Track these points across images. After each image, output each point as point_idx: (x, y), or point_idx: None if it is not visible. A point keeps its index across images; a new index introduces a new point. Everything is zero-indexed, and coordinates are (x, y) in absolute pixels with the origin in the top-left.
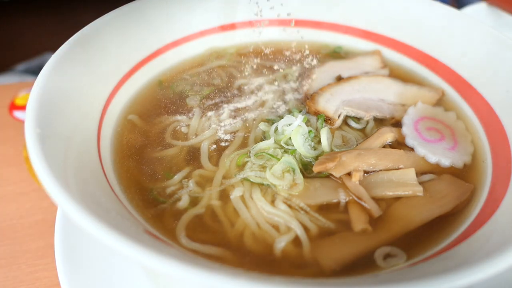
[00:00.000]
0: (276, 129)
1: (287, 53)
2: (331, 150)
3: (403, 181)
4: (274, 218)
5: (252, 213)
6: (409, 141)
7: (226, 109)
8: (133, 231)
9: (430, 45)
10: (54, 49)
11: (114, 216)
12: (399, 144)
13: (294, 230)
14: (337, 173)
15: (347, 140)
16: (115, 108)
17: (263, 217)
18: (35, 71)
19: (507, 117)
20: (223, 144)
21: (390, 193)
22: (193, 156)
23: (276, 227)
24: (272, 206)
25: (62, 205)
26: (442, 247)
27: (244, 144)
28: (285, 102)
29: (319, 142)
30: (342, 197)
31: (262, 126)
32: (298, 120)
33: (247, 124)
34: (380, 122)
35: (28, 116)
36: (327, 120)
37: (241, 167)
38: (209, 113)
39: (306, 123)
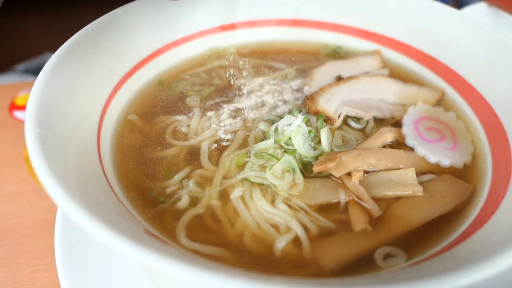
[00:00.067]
0: (276, 129)
1: (287, 53)
2: (331, 150)
3: (403, 181)
4: (274, 218)
5: (252, 213)
6: (409, 141)
7: (226, 109)
8: (133, 231)
9: (430, 45)
10: (54, 49)
11: (114, 216)
12: (399, 144)
13: (294, 230)
14: (337, 173)
15: (347, 140)
16: (115, 108)
17: (263, 217)
18: (35, 71)
19: (507, 117)
20: (223, 144)
21: (390, 193)
22: (193, 156)
23: (276, 227)
24: (272, 206)
25: (62, 205)
26: (442, 247)
27: (244, 144)
28: (285, 102)
29: (319, 142)
30: (342, 197)
31: (262, 126)
32: (298, 120)
33: (247, 124)
34: (380, 122)
35: (28, 116)
36: (327, 120)
37: (241, 167)
38: (209, 113)
39: (306, 123)
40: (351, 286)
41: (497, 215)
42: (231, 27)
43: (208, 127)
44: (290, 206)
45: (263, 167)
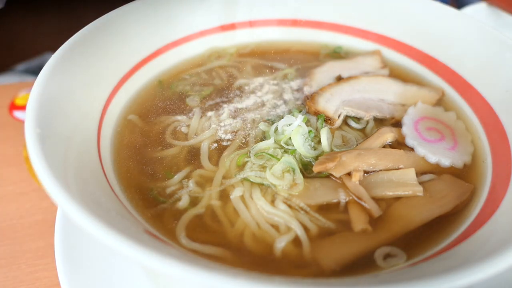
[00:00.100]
0: (276, 129)
1: (287, 53)
2: (331, 150)
3: (403, 181)
4: (274, 218)
5: (252, 213)
6: (409, 141)
7: (226, 109)
8: (133, 231)
9: (430, 45)
10: (54, 49)
11: (114, 216)
12: (399, 144)
13: (294, 230)
14: (337, 173)
15: (347, 140)
16: (115, 108)
17: (263, 217)
18: (35, 71)
19: (507, 117)
20: (223, 144)
21: (390, 193)
22: (193, 156)
23: (276, 227)
24: (272, 206)
25: (62, 205)
26: (442, 247)
27: (244, 144)
28: (285, 102)
29: (319, 142)
30: (342, 197)
31: (262, 126)
32: (298, 120)
33: (247, 124)
34: (380, 122)
35: (28, 116)
36: (327, 120)
37: (241, 167)
38: (209, 113)
39: (306, 123)
40: (351, 286)
41: (497, 215)
42: (231, 27)
43: (208, 127)
44: (290, 206)
45: (263, 167)
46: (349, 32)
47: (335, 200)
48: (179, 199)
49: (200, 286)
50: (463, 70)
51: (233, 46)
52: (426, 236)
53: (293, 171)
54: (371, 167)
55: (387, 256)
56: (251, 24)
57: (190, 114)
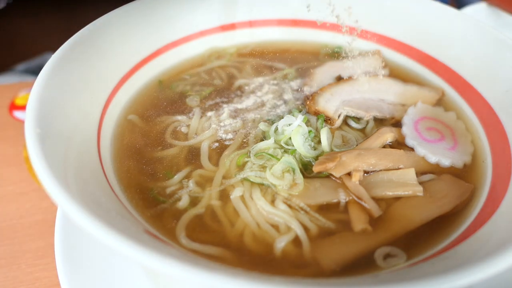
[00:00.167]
0: (276, 129)
1: (287, 53)
2: (331, 150)
3: (403, 181)
4: (274, 218)
5: (252, 213)
6: (409, 141)
7: (226, 109)
8: (133, 231)
9: (430, 45)
10: (54, 49)
11: (114, 216)
12: (399, 144)
13: (294, 230)
14: (337, 173)
15: (347, 140)
16: (115, 108)
17: (263, 217)
18: (35, 71)
19: (507, 117)
20: (223, 144)
21: (390, 193)
22: (193, 156)
23: (276, 227)
24: (272, 206)
25: (62, 205)
26: (442, 247)
27: (244, 144)
28: (285, 102)
29: (319, 142)
30: (342, 197)
31: (262, 126)
32: (298, 120)
33: (247, 124)
34: (380, 122)
35: (28, 116)
36: (327, 120)
37: (241, 167)
38: (209, 113)
39: (306, 123)
40: (351, 286)
41: (497, 215)
42: (231, 27)
43: (208, 127)
44: (290, 206)
45: (263, 167)
46: (349, 32)
47: (335, 200)
48: (179, 199)
49: (200, 286)
50: (463, 70)
51: (233, 46)
52: (426, 236)
53: (293, 171)
54: (371, 167)
55: (387, 256)
56: (251, 24)
57: (190, 114)
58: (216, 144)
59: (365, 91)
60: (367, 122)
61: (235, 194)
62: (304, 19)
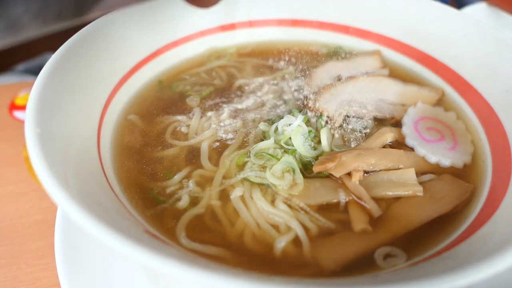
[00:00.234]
0: (276, 129)
1: (287, 53)
2: (331, 150)
3: (403, 181)
4: (274, 218)
5: (252, 213)
6: (409, 141)
7: (226, 109)
8: (133, 231)
9: (430, 45)
10: (54, 49)
11: (114, 216)
12: (399, 144)
13: (294, 230)
14: (337, 173)
15: (347, 140)
16: (115, 108)
17: (263, 217)
18: (35, 71)
19: (507, 117)
20: (223, 144)
21: (390, 193)
22: (193, 156)
23: (276, 227)
24: (272, 206)
25: (62, 205)
26: (442, 247)
27: (244, 144)
28: (285, 102)
29: (319, 142)
30: (342, 197)
31: (262, 126)
32: (298, 120)
33: (247, 124)
34: (380, 122)
35: (28, 116)
36: (327, 120)
37: (241, 167)
38: (209, 113)
39: (306, 123)
40: (351, 286)
41: (497, 215)
42: (231, 27)
43: (208, 127)
44: (290, 206)
45: (263, 167)
46: (349, 32)
47: (335, 200)
48: (179, 199)
49: (200, 286)
50: (463, 70)
51: (233, 46)
52: (426, 236)
53: (293, 171)
54: (371, 167)
55: (387, 256)
56: (251, 24)
57: (190, 114)
58: (216, 144)
59: (365, 91)
60: (367, 122)
61: (235, 194)
62: (304, 19)
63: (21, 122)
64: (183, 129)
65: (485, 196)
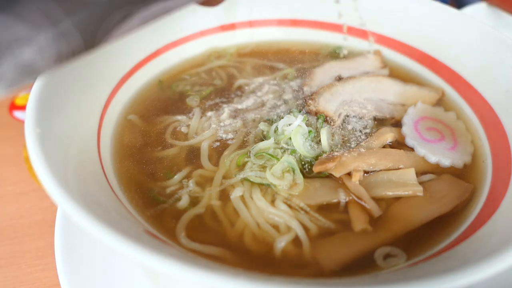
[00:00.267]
0: (276, 129)
1: (287, 53)
2: (331, 150)
3: (403, 181)
4: (274, 218)
5: (252, 213)
6: (409, 141)
7: (226, 109)
8: (133, 231)
9: (430, 45)
10: None
11: (114, 216)
12: (399, 144)
13: (294, 230)
14: (337, 173)
15: (347, 140)
16: (115, 108)
17: (263, 217)
18: None
19: (507, 117)
20: (223, 144)
21: (390, 193)
22: (193, 156)
23: (276, 227)
24: (272, 206)
25: (62, 205)
26: (442, 247)
27: (244, 144)
28: (285, 102)
29: (319, 142)
30: (342, 197)
31: (262, 126)
32: (298, 120)
33: (247, 124)
34: (380, 122)
35: (28, 116)
36: (327, 120)
37: (241, 167)
38: (209, 113)
39: (306, 123)
40: (351, 286)
41: (497, 215)
42: (231, 27)
43: (208, 127)
44: (290, 206)
45: (263, 167)
46: (349, 32)
47: (335, 200)
48: (179, 199)
49: (200, 286)
50: (463, 70)
51: (233, 46)
52: (426, 236)
53: (293, 171)
54: (371, 167)
55: (387, 256)
56: (251, 24)
57: (190, 114)
58: (216, 144)
59: (365, 91)
60: (367, 122)
61: (235, 194)
62: (304, 19)
63: (21, 122)
64: (183, 129)
65: (485, 196)
